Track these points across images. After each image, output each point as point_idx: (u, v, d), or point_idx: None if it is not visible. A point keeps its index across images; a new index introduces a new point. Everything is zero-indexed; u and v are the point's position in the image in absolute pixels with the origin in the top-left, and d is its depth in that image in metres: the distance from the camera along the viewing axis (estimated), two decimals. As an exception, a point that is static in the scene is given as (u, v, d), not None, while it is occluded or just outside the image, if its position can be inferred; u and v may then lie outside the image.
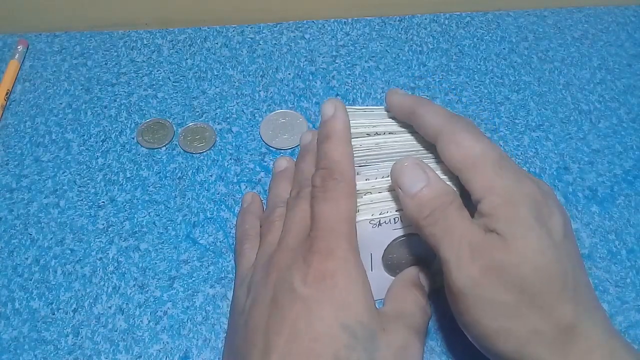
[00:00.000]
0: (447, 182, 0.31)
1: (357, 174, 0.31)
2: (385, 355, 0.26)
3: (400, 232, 0.31)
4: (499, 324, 0.27)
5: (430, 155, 0.32)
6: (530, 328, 0.26)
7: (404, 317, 0.29)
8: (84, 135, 0.44)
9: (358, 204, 0.30)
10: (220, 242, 0.39)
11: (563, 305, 0.26)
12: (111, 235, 0.39)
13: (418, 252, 0.33)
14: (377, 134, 0.33)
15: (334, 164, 0.30)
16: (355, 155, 0.32)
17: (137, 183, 0.42)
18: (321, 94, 0.47)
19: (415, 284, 0.32)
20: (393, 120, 0.34)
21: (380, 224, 0.30)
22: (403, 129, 0.33)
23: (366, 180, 0.31)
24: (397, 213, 0.30)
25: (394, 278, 0.33)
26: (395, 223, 0.30)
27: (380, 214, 0.30)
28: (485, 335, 0.27)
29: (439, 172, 0.31)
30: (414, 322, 0.30)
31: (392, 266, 0.33)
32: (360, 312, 0.27)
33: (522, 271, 0.26)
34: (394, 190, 0.31)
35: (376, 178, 0.31)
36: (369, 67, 0.50)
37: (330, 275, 0.27)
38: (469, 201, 0.29)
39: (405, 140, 0.33)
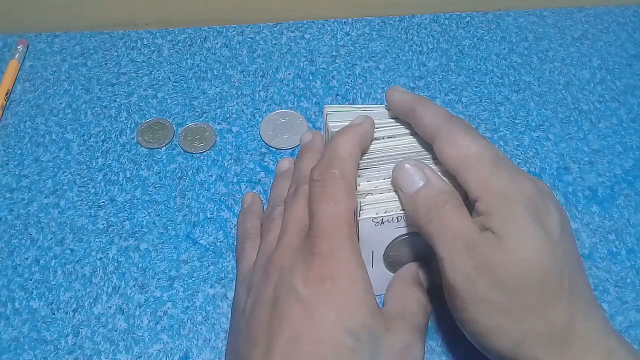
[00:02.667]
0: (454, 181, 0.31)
1: (359, 176, 0.31)
2: (389, 356, 0.26)
3: (402, 231, 0.31)
4: (494, 322, 0.27)
5: (430, 157, 0.32)
6: (525, 327, 0.26)
7: (406, 316, 0.29)
8: (84, 135, 0.44)
9: (362, 204, 0.30)
10: (220, 242, 0.39)
11: (558, 304, 0.26)
12: (111, 235, 0.39)
13: (419, 250, 0.33)
14: (376, 139, 0.33)
15: (336, 158, 0.30)
16: None
17: (137, 183, 0.42)
18: (321, 94, 0.47)
19: (416, 282, 0.32)
20: (393, 121, 0.34)
21: (382, 222, 0.30)
22: (403, 132, 0.33)
23: (368, 182, 0.31)
24: (400, 212, 0.30)
25: (393, 274, 0.33)
26: (398, 222, 0.31)
27: (384, 213, 0.30)
28: (481, 332, 0.27)
29: (439, 173, 0.31)
30: (416, 322, 0.30)
31: (393, 263, 0.33)
32: (363, 314, 0.27)
33: (516, 270, 0.26)
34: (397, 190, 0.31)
35: (378, 179, 0.31)
36: (369, 67, 0.50)
37: (331, 277, 0.27)
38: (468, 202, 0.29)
39: (406, 143, 0.33)
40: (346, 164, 0.30)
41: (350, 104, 0.46)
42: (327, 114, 0.34)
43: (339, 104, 0.47)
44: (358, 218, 0.30)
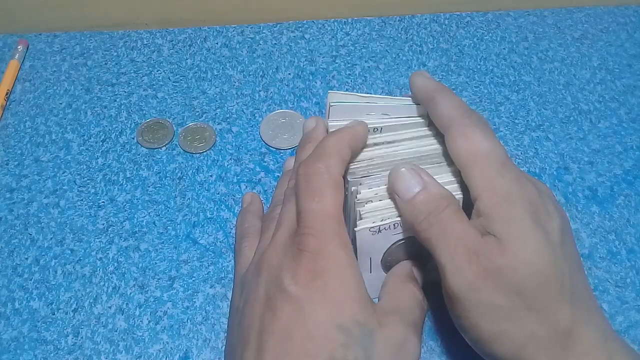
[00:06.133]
0: (454, 185, 0.31)
1: (360, 184, 0.31)
2: (383, 351, 0.26)
3: (399, 237, 0.31)
4: (496, 327, 0.27)
5: (431, 162, 0.32)
6: (528, 331, 0.26)
7: (400, 312, 0.29)
8: (84, 135, 0.44)
9: (361, 212, 0.30)
10: (220, 242, 0.39)
11: (560, 308, 0.26)
12: (111, 235, 0.39)
13: (416, 252, 0.33)
14: (376, 144, 0.32)
15: (322, 154, 0.29)
16: (358, 166, 0.31)
17: (137, 183, 0.42)
18: (321, 94, 0.47)
19: (411, 278, 0.32)
20: (396, 126, 0.33)
21: (379, 231, 0.30)
22: (405, 137, 0.33)
23: (369, 189, 0.31)
24: (396, 219, 0.30)
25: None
26: (394, 228, 0.30)
27: (381, 221, 0.30)
28: (483, 338, 0.27)
29: (443, 176, 0.31)
30: (411, 317, 0.29)
31: (390, 267, 0.33)
32: (355, 310, 0.26)
33: (518, 274, 0.26)
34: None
35: (379, 186, 0.31)
36: (369, 67, 0.50)
37: (320, 274, 0.27)
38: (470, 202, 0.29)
39: (406, 149, 0.32)
40: (332, 160, 0.29)
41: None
42: (330, 105, 0.33)
43: None
44: (355, 229, 0.30)
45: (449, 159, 0.31)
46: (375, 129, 0.33)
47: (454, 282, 0.27)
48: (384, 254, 0.32)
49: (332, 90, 0.34)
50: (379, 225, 0.30)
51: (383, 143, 0.33)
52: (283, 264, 0.28)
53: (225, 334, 0.35)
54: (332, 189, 0.28)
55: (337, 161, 0.29)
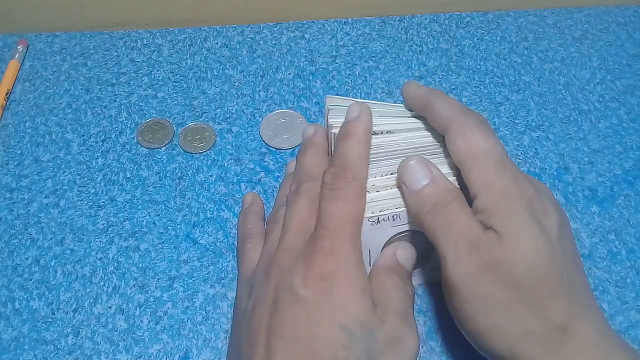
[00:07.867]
0: (451, 177, 0.31)
1: None
2: (384, 349, 0.26)
3: (398, 229, 0.31)
4: (493, 321, 0.27)
5: (429, 153, 0.32)
6: (523, 326, 0.26)
7: (391, 305, 0.29)
8: (84, 135, 0.44)
9: None
10: (220, 242, 0.39)
11: (556, 304, 0.26)
12: (111, 235, 0.39)
13: (416, 247, 0.33)
14: (375, 133, 0.33)
15: (348, 163, 0.30)
16: None
17: (137, 183, 0.42)
18: (321, 94, 0.47)
19: (391, 268, 0.31)
20: (395, 118, 0.34)
21: (379, 222, 0.30)
22: (402, 128, 0.33)
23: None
24: (395, 210, 0.30)
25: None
26: (393, 220, 0.31)
27: (380, 212, 0.30)
28: (479, 332, 0.27)
29: (440, 169, 0.31)
30: (401, 308, 0.29)
31: None
32: (359, 310, 0.27)
33: (516, 269, 0.26)
34: (394, 188, 0.31)
35: (376, 177, 0.31)
36: (369, 67, 0.50)
37: (329, 275, 0.27)
38: (468, 198, 0.29)
39: (404, 139, 0.33)
40: (357, 166, 0.30)
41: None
42: (329, 109, 0.34)
43: None
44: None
45: (446, 150, 0.31)
46: (375, 132, 0.33)
47: (454, 274, 0.27)
48: (383, 247, 0.32)
49: (330, 93, 0.34)
50: (378, 216, 0.30)
51: (382, 132, 0.33)
52: (294, 266, 0.28)
53: (226, 334, 0.35)
54: (357, 194, 0.29)
55: (362, 166, 0.30)
